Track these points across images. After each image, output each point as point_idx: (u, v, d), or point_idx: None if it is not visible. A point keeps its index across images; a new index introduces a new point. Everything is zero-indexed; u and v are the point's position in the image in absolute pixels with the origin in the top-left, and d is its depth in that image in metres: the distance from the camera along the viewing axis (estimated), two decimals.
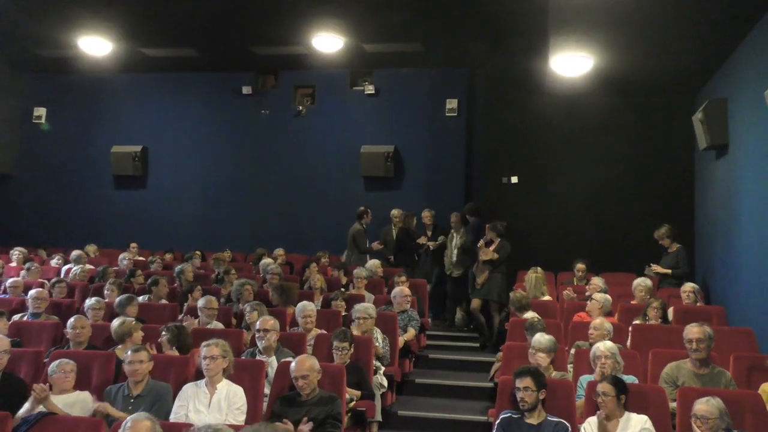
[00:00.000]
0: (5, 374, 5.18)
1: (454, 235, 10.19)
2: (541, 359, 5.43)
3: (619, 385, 4.59)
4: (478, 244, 9.10)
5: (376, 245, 10.32)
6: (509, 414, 4.66)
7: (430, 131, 11.77)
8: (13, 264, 9.93)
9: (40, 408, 4.59)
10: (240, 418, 4.88)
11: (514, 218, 10.28)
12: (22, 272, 9.10)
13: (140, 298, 7.64)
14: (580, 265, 9.06)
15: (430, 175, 11.70)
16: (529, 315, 7.10)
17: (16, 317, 7.07)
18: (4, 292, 8.23)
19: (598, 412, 4.58)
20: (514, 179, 11.08)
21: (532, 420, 4.57)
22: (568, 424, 4.55)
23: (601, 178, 10.79)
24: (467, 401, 7.25)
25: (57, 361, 5.09)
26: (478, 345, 9.01)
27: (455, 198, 11.24)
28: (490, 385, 7.16)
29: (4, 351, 5.19)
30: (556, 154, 10.97)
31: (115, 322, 6.05)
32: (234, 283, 7.84)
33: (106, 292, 7.85)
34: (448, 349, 8.86)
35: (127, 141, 12.69)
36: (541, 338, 5.59)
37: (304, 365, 4.98)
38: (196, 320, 6.85)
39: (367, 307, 6.76)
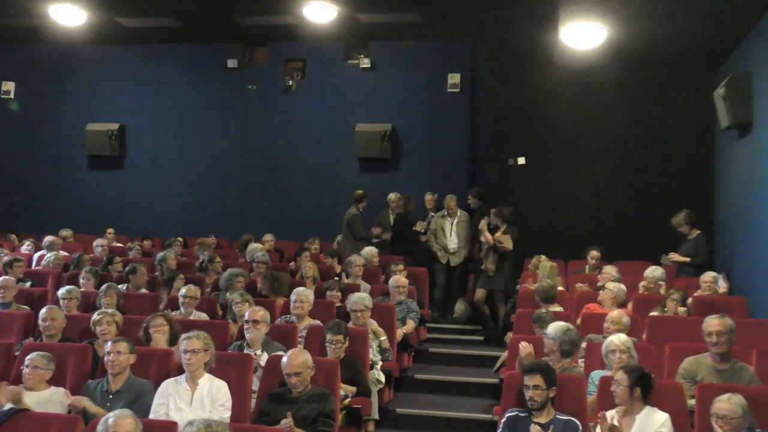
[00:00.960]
0: None
1: (449, 219, 9.97)
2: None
3: (633, 375, 4.55)
4: (480, 226, 9.09)
5: (375, 230, 10.29)
6: (516, 413, 4.66)
7: (430, 108, 11.71)
8: None
9: (11, 405, 4.59)
10: (225, 415, 4.88)
11: (521, 202, 10.28)
12: None
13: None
14: (594, 253, 9.05)
15: (431, 156, 11.66)
16: (556, 308, 7.09)
17: None
18: None
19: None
20: (521, 160, 11.08)
21: (540, 419, 4.58)
22: (578, 423, 4.55)
23: (615, 160, 10.79)
24: (470, 398, 7.27)
25: (28, 357, 5.09)
26: (482, 338, 9.03)
27: (458, 181, 11.22)
28: (495, 381, 7.17)
29: None
30: (566, 133, 10.96)
31: None
32: (226, 272, 7.77)
33: (81, 280, 7.85)
34: (449, 342, 8.89)
35: (103, 118, 12.62)
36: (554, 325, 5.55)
37: (297, 361, 4.98)
38: (176, 312, 6.85)
39: (363, 298, 6.76)
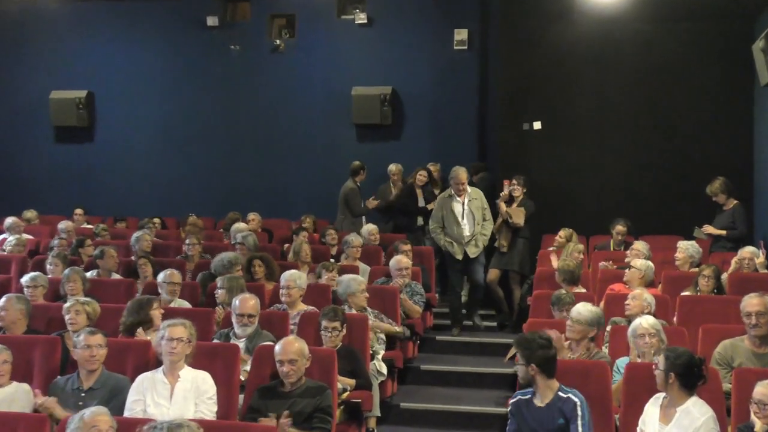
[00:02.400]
0: None
1: (457, 199, 8.54)
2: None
3: (671, 359, 4.46)
4: (501, 194, 9.06)
5: (371, 202, 10.24)
6: (518, 397, 4.70)
7: (435, 68, 11.69)
8: None
9: None
10: (214, 409, 4.93)
11: (537, 172, 10.25)
12: None
13: (89, 273, 7.69)
14: (620, 227, 9.04)
15: (436, 122, 11.65)
16: (579, 290, 7.11)
17: None
18: None
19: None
20: (537, 125, 11.01)
21: (539, 401, 4.59)
22: (576, 400, 4.49)
23: (642, 122, 10.72)
24: (482, 390, 7.31)
25: None
26: (495, 324, 9.05)
27: (466, 149, 11.22)
28: (510, 371, 7.20)
29: None
30: (587, 94, 10.88)
31: None
32: (223, 257, 7.68)
33: (48, 266, 7.88)
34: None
35: (69, 85, 12.59)
36: (582, 308, 5.59)
37: (292, 348, 5.00)
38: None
39: (360, 281, 6.79)
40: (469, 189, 8.59)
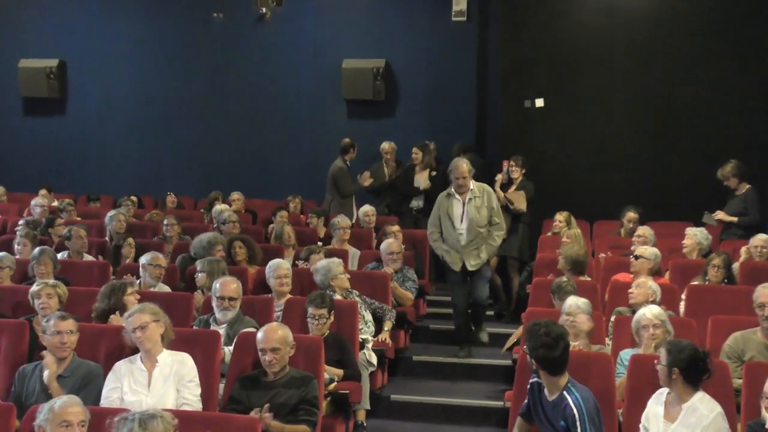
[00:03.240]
0: None
1: (457, 198, 7.53)
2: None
3: (674, 353, 4.44)
4: (497, 177, 9.04)
5: (365, 177, 10.19)
6: (535, 378, 4.66)
7: (431, 41, 11.67)
8: None
9: None
10: (197, 392, 4.94)
11: (539, 152, 10.24)
12: None
13: (60, 255, 7.69)
14: (631, 215, 8.96)
15: (432, 98, 11.64)
16: (584, 279, 7.12)
17: None
18: None
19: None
20: (540, 102, 11.00)
21: (547, 394, 4.56)
22: (576, 413, 4.34)
23: (652, 102, 10.71)
24: (477, 383, 7.33)
25: None
26: (492, 313, 9.07)
27: (464, 126, 11.23)
28: (507, 362, 7.22)
29: None
30: (594, 69, 10.86)
31: None
32: (203, 238, 7.62)
33: (16, 246, 7.86)
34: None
35: (40, 53, 12.54)
36: (577, 301, 5.66)
37: (275, 335, 5.00)
38: (138, 281, 6.86)
39: (337, 262, 6.78)
40: (472, 185, 7.53)
